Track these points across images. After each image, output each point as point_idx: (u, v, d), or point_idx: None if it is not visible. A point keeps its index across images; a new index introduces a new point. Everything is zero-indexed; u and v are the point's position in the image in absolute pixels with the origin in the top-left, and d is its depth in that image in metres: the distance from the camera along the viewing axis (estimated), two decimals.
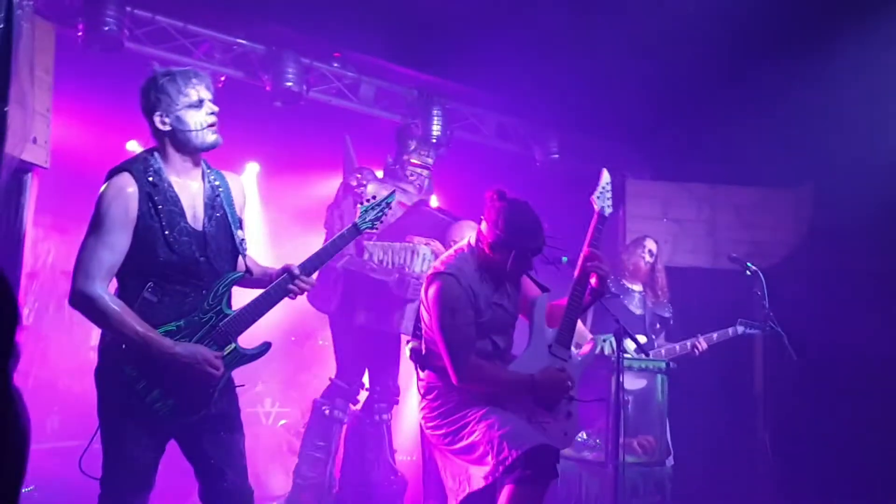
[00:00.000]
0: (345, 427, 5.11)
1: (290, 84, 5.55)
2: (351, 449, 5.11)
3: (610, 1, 5.39)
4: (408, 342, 3.61)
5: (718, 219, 6.61)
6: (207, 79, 2.91)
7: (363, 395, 5.23)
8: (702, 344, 5.51)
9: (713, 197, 6.66)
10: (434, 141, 6.06)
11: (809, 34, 5.46)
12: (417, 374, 3.54)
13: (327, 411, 5.06)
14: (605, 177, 3.74)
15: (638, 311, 5.63)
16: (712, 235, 6.56)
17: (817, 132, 5.88)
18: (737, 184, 6.66)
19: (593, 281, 3.51)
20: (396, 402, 5.22)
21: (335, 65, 6.03)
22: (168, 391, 2.80)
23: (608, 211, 3.68)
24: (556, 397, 3.43)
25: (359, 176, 5.18)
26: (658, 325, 5.71)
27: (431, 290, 3.37)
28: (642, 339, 5.40)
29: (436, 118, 6.26)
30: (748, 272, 5.47)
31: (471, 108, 6.68)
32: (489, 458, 3.25)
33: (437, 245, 4.96)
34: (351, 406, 5.14)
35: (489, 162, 6.89)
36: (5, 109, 2.34)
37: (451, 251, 3.55)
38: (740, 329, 5.54)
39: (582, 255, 3.54)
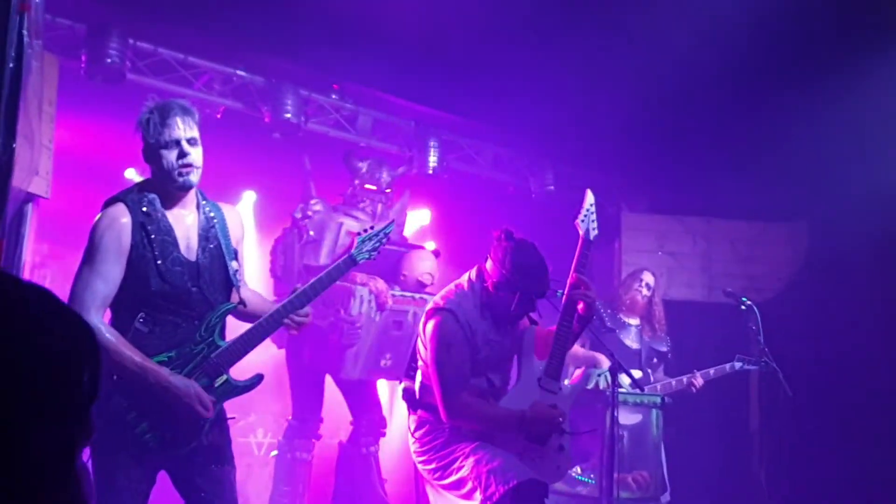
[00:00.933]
0: (310, 464, 5.08)
1: (288, 115, 5.59)
2: (341, 480, 5.10)
3: (606, 35, 5.44)
4: (400, 381, 3.61)
5: (714, 252, 6.63)
6: (190, 115, 2.89)
7: (346, 428, 5.20)
8: (698, 380, 5.48)
9: (708, 230, 6.69)
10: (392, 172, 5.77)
11: (805, 69, 5.52)
12: (409, 412, 3.53)
13: (289, 455, 5.05)
14: (590, 198, 3.66)
15: (634, 346, 5.62)
16: (707, 269, 6.58)
17: (812, 166, 5.92)
18: (732, 217, 6.69)
19: (580, 307, 3.46)
20: (383, 434, 5.20)
21: (333, 96, 6.07)
22: (158, 423, 2.80)
23: (593, 234, 3.61)
24: (547, 431, 3.40)
25: (303, 206, 5.14)
26: (655, 360, 5.70)
27: (430, 326, 3.37)
28: (638, 373, 5.41)
29: (432, 149, 6.29)
30: (743, 307, 5.48)
31: (467, 139, 6.71)
32: (477, 493, 3.25)
33: (376, 283, 4.84)
34: (314, 441, 5.09)
35: (485, 193, 6.92)
36: (14, 146, 2.36)
37: (451, 286, 3.53)
38: (738, 365, 5.51)
39: (568, 282, 3.50)
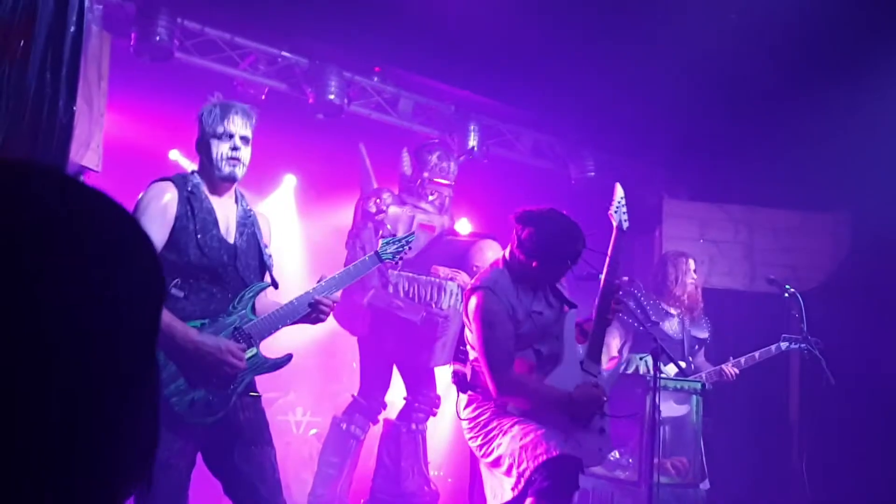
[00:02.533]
0: (362, 444, 5.11)
1: (332, 97, 5.63)
2: (386, 456, 5.12)
3: (649, 22, 5.41)
4: (452, 367, 3.64)
5: (756, 241, 6.55)
6: (249, 118, 3.05)
7: (393, 407, 5.24)
8: (731, 370, 5.41)
9: (751, 219, 6.61)
10: (459, 158, 5.89)
11: (851, 58, 5.45)
12: (458, 394, 3.57)
13: (344, 426, 5.08)
14: (619, 191, 3.75)
15: (677, 336, 5.55)
16: (749, 257, 6.50)
17: (857, 156, 5.84)
18: (775, 206, 6.61)
19: (612, 308, 3.59)
20: (434, 413, 5.22)
21: (375, 79, 6.10)
22: (187, 385, 2.82)
23: (626, 225, 3.71)
24: (591, 413, 3.44)
25: (377, 200, 5.17)
26: (696, 346, 5.64)
27: (470, 305, 3.41)
28: (682, 365, 5.36)
29: (472, 133, 6.30)
30: (786, 294, 5.41)
31: (507, 124, 6.71)
32: (513, 470, 3.27)
33: (462, 277, 4.96)
34: (371, 424, 5.14)
35: (524, 179, 6.92)
36: (74, 108, 2.41)
37: (485, 268, 3.62)
38: (783, 345, 5.40)
39: (604, 278, 3.58)
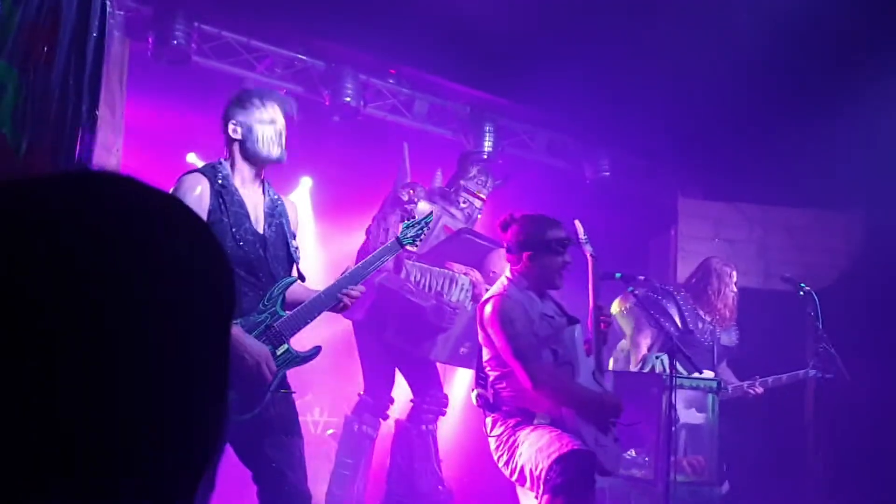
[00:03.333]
0: (375, 442, 5.13)
1: (348, 99, 5.67)
2: (398, 458, 5.12)
3: (663, 21, 5.42)
4: (473, 390, 3.72)
5: (770, 240, 6.56)
6: (288, 105, 3.15)
7: (403, 407, 5.23)
8: (756, 389, 5.40)
9: (765, 217, 6.61)
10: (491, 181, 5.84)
11: (866, 56, 5.44)
12: (485, 417, 3.63)
13: (356, 427, 5.09)
14: (580, 227, 3.93)
15: (708, 344, 5.51)
16: (763, 256, 6.51)
17: (872, 154, 5.84)
18: (789, 205, 6.60)
19: (602, 326, 3.78)
20: (444, 413, 5.21)
21: (391, 81, 6.14)
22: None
23: (594, 253, 3.91)
24: (613, 420, 3.55)
25: (411, 192, 5.19)
26: (723, 355, 5.64)
27: (487, 311, 3.51)
28: (710, 374, 5.37)
29: (487, 134, 6.33)
30: (801, 293, 5.40)
31: (522, 124, 6.73)
32: (532, 476, 3.29)
33: (476, 275, 4.96)
34: (381, 420, 5.16)
35: (539, 178, 6.93)
36: (97, 112, 2.46)
37: (493, 287, 3.75)
38: (812, 372, 5.40)
39: (591, 302, 3.77)
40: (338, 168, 7.03)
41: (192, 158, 6.45)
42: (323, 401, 6.34)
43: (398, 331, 4.98)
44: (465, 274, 4.93)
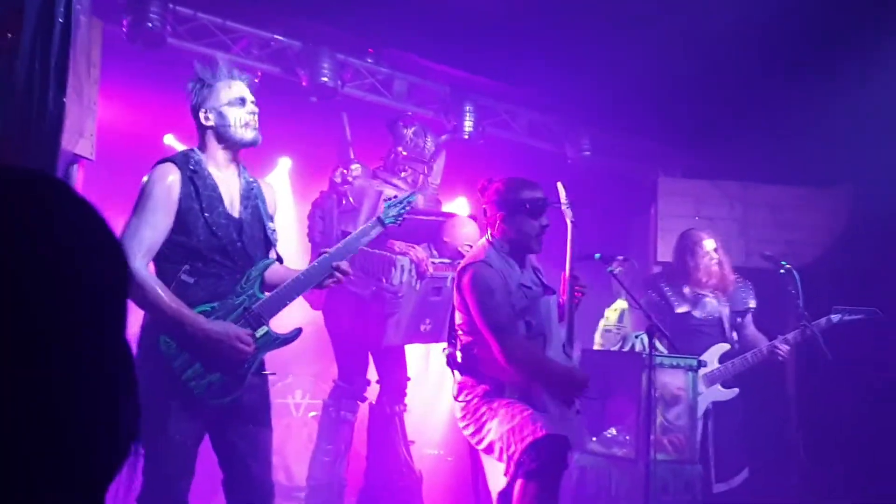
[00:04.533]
0: (353, 425, 5.13)
1: (325, 79, 5.61)
2: (371, 444, 5.15)
3: (645, 0, 5.39)
4: (444, 349, 3.67)
5: (751, 217, 6.57)
6: (248, 78, 3.11)
7: (375, 389, 5.24)
8: (783, 347, 5.39)
9: (746, 195, 6.62)
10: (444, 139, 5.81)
11: (849, 33, 5.42)
12: (454, 377, 3.59)
13: (334, 413, 5.10)
14: (562, 191, 3.80)
15: (715, 316, 5.54)
16: (744, 234, 6.52)
17: (855, 132, 5.83)
18: (770, 182, 6.61)
19: (577, 296, 3.72)
20: (404, 395, 5.21)
21: (369, 60, 6.08)
22: (203, 369, 2.87)
23: (573, 219, 3.80)
24: (580, 394, 3.54)
25: (344, 171, 5.12)
26: (739, 319, 5.60)
27: (465, 280, 3.44)
28: (726, 346, 5.39)
29: (468, 114, 6.29)
30: (782, 270, 5.41)
31: (503, 104, 6.69)
32: (503, 454, 3.30)
33: (416, 252, 4.85)
34: (359, 403, 5.15)
35: (520, 159, 6.91)
36: (63, 100, 2.43)
37: (473, 250, 3.67)
38: (835, 318, 5.29)
39: (567, 274, 3.68)
40: (317, 148, 6.97)
41: (170, 140, 6.39)
42: (304, 383, 6.34)
43: (352, 319, 4.97)
44: (403, 254, 4.79)
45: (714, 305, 5.54)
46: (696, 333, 5.42)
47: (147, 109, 6.01)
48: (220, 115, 2.99)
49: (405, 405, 5.22)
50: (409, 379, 5.27)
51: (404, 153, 5.23)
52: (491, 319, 3.37)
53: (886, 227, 5.98)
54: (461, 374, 3.55)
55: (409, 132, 5.26)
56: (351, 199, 5.05)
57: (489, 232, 3.62)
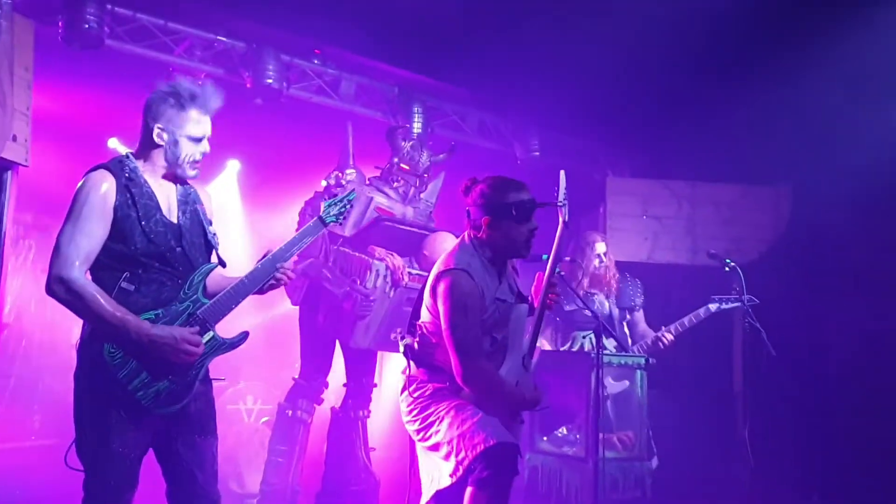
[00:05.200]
0: (309, 427, 5.11)
1: (270, 81, 5.56)
2: (332, 445, 5.13)
3: (590, 1, 5.42)
4: (402, 338, 3.55)
5: (698, 216, 6.65)
6: (216, 106, 2.97)
7: (339, 393, 5.21)
8: (666, 336, 5.54)
9: (693, 194, 6.71)
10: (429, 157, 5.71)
11: (791, 33, 5.51)
12: (409, 369, 3.49)
13: (290, 413, 5.07)
14: (564, 181, 3.55)
15: (605, 313, 5.67)
16: (692, 232, 6.60)
17: (797, 130, 5.94)
18: (717, 181, 6.71)
19: (549, 302, 3.51)
20: (369, 399, 5.20)
21: (315, 62, 6.03)
22: (150, 378, 2.81)
23: (567, 218, 3.56)
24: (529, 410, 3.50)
25: (338, 175, 5.13)
26: (629, 316, 5.77)
27: (442, 287, 3.29)
28: (612, 343, 5.45)
29: (416, 115, 6.27)
30: (727, 268, 5.49)
31: (452, 105, 6.69)
32: (452, 456, 3.27)
33: (394, 260, 4.85)
34: (315, 405, 5.13)
35: (470, 160, 6.90)
36: None
37: (453, 249, 3.44)
38: (713, 307, 5.54)
39: (546, 278, 3.49)
40: (267, 150, 6.91)
41: (115, 143, 6.28)
42: (256, 389, 6.28)
43: (326, 316, 4.96)
44: (380, 259, 4.82)
45: (602, 303, 5.66)
46: (583, 329, 5.56)
47: (88, 111, 5.90)
48: (175, 143, 2.90)
49: (369, 411, 5.21)
50: (375, 385, 5.26)
51: (401, 165, 5.25)
52: (457, 337, 3.23)
53: (824, 223, 6.10)
54: (416, 366, 3.45)
55: (407, 145, 5.31)
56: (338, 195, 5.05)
57: (468, 232, 3.42)
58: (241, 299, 3.02)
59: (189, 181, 3.08)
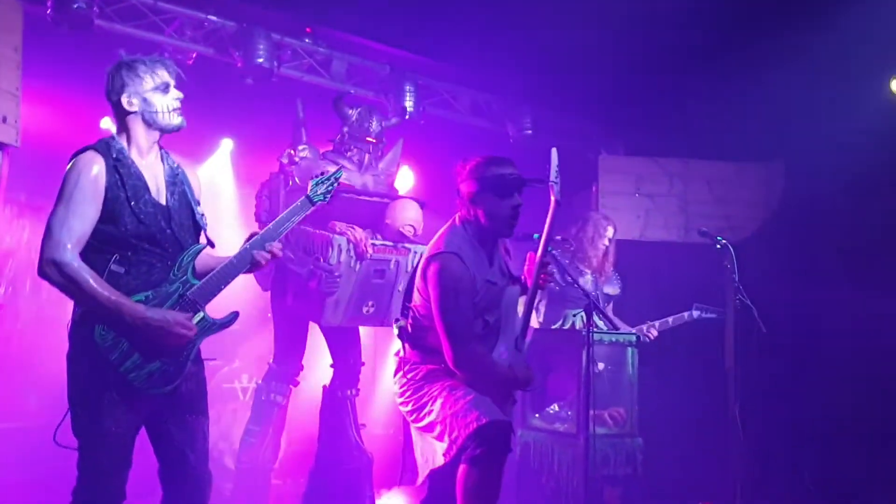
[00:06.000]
0: (285, 408, 5.15)
1: (261, 60, 5.54)
2: (322, 424, 5.15)
3: None
4: (396, 321, 3.57)
5: (690, 193, 6.67)
6: (173, 66, 3.00)
7: (328, 373, 5.23)
8: (652, 332, 5.61)
9: (686, 171, 6.71)
10: (395, 120, 5.77)
11: (786, 12, 5.49)
12: (402, 351, 3.51)
13: (263, 395, 5.11)
14: (556, 158, 3.51)
15: (592, 294, 5.70)
16: (684, 210, 6.62)
17: (790, 108, 5.93)
18: (710, 158, 6.71)
19: (542, 282, 3.53)
20: (357, 378, 5.21)
21: (306, 41, 6.01)
22: (143, 359, 2.84)
23: (559, 197, 3.52)
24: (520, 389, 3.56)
25: (291, 152, 5.10)
26: (607, 303, 5.83)
27: (431, 270, 3.30)
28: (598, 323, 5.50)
29: (408, 94, 6.24)
30: (718, 246, 5.49)
31: (444, 84, 6.67)
32: (445, 436, 3.30)
33: (356, 233, 4.78)
34: (291, 387, 5.16)
35: (463, 138, 6.91)
36: None
37: (443, 231, 3.45)
38: (696, 314, 5.64)
39: (539, 258, 3.48)
40: (260, 129, 6.89)
41: (108, 124, 6.27)
42: (251, 367, 6.32)
43: (295, 298, 4.95)
44: (341, 234, 4.72)
45: (591, 284, 5.72)
46: (568, 304, 5.63)
47: (78, 92, 5.88)
48: (146, 101, 2.92)
49: (358, 389, 5.22)
50: (362, 363, 5.27)
51: (350, 133, 5.18)
52: (448, 322, 3.24)
53: (817, 200, 6.12)
54: (411, 347, 3.47)
55: (354, 113, 5.22)
56: (297, 180, 5.03)
57: (458, 215, 3.42)
58: (230, 279, 3.04)
59: (176, 161, 3.09)
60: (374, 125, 5.27)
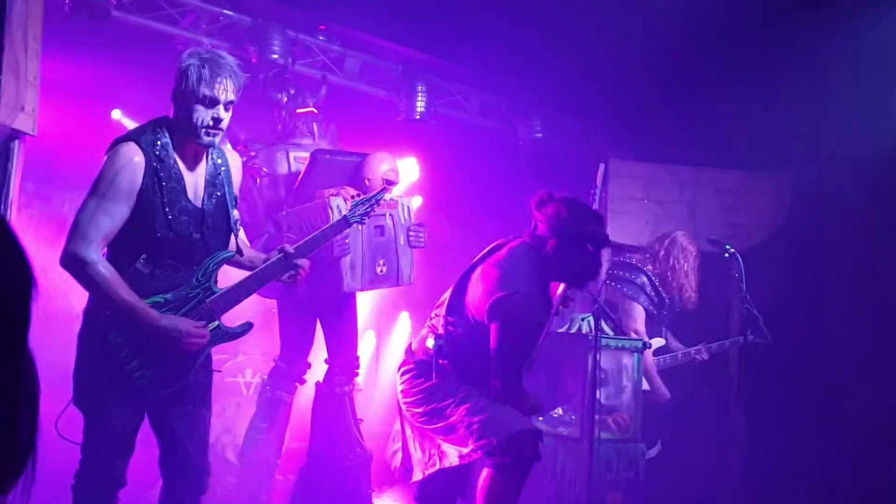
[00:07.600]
0: (290, 406, 5.13)
1: (275, 56, 5.55)
2: (317, 421, 5.14)
3: None
4: (437, 336, 3.55)
5: (700, 201, 6.65)
6: (238, 80, 2.87)
7: (323, 369, 5.23)
8: (702, 355, 5.56)
9: (695, 179, 6.70)
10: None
11: (796, 20, 5.50)
12: (436, 361, 3.50)
13: (270, 393, 5.09)
14: (602, 175, 3.74)
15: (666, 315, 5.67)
16: (693, 218, 6.60)
17: (801, 118, 5.93)
18: (720, 166, 6.70)
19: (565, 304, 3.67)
20: (356, 374, 5.21)
21: (321, 38, 6.02)
22: (148, 362, 2.85)
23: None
24: None
25: (244, 149, 5.06)
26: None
27: (502, 309, 3.29)
28: (661, 342, 5.49)
29: (420, 94, 6.26)
30: (726, 254, 5.51)
31: (455, 84, 6.68)
32: (469, 441, 3.31)
33: (350, 191, 4.71)
34: (297, 385, 5.15)
35: (472, 139, 6.91)
36: (0, 77, 2.36)
37: (510, 257, 3.43)
38: (751, 338, 5.51)
39: (562, 291, 3.60)
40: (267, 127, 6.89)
41: (118, 115, 6.28)
42: (255, 362, 6.31)
43: (307, 286, 4.91)
44: (335, 195, 4.65)
45: (668, 307, 5.67)
46: (582, 311, 5.60)
47: (93, 83, 5.90)
48: (186, 109, 2.81)
49: (354, 385, 5.21)
50: (358, 359, 5.26)
51: (288, 112, 5.25)
52: (507, 358, 3.33)
53: (826, 210, 6.11)
54: (443, 358, 3.50)
55: (284, 96, 5.28)
56: (264, 170, 5.04)
57: (526, 243, 3.43)
58: (252, 292, 3.06)
59: (224, 150, 3.07)
60: (309, 101, 5.33)
